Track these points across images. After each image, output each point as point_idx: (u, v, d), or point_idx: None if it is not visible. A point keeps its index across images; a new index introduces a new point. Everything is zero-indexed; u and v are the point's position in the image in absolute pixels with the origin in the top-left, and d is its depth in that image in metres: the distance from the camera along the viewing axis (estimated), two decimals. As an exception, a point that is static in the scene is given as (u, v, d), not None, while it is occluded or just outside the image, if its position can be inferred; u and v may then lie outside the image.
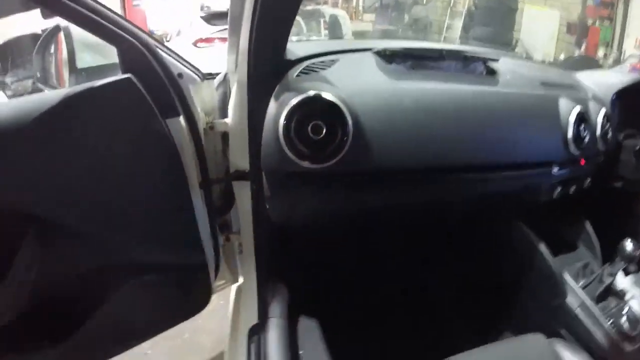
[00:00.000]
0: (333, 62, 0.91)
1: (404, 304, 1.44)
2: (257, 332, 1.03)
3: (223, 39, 6.14)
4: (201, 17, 7.22)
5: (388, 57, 0.98)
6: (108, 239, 0.76)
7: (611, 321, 1.05)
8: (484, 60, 1.11)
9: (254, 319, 1.06)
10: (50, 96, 0.70)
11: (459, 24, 9.26)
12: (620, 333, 1.02)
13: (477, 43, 8.05)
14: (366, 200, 0.86)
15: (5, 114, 0.66)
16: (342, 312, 1.33)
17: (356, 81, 0.89)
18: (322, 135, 0.69)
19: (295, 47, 0.85)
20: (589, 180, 1.23)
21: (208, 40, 5.41)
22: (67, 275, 0.77)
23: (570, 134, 1.08)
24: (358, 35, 7.61)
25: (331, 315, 1.21)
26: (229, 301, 1.30)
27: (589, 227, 1.36)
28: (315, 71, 0.86)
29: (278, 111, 0.77)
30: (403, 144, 0.83)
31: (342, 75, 0.89)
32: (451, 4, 9.58)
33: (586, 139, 1.11)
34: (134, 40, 0.77)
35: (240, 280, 1.26)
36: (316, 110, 0.71)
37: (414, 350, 1.25)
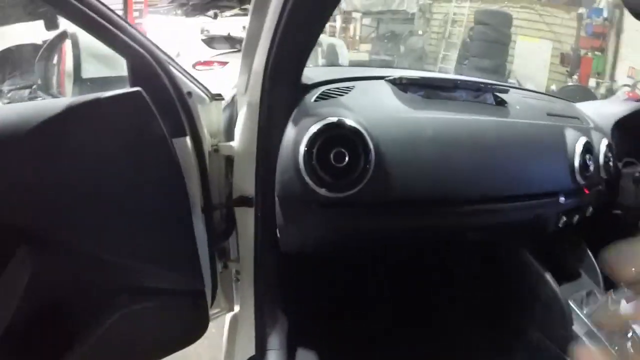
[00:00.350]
0: (349, 89, 0.89)
1: (408, 334, 1.41)
2: None
3: (222, 63, 6.23)
4: (202, 40, 7.32)
5: (403, 85, 0.97)
6: (105, 259, 0.72)
7: (616, 348, 1.05)
8: (494, 91, 1.11)
9: (251, 351, 1.02)
10: (53, 103, 0.66)
11: (454, 55, 9.46)
12: (626, 358, 1.03)
13: (471, 74, 8.26)
14: (383, 228, 0.84)
15: (4, 119, 0.63)
16: (343, 343, 1.29)
17: (376, 109, 0.88)
18: (344, 163, 0.66)
19: (310, 71, 0.83)
20: (591, 209, 1.23)
21: (207, 63, 5.47)
22: (60, 296, 0.74)
23: (577, 163, 1.08)
24: (355, 65, 7.72)
25: (331, 347, 1.17)
26: (222, 330, 1.26)
27: (590, 255, 1.37)
28: (333, 97, 0.84)
29: (298, 137, 0.74)
30: (423, 175, 0.82)
31: (360, 102, 0.87)
32: (446, 36, 9.79)
33: (591, 168, 1.12)
34: (145, 53, 0.73)
35: (236, 308, 1.22)
36: (339, 137, 0.68)
37: None
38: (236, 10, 9.67)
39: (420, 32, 10.39)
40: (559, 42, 8.70)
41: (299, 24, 0.71)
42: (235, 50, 7.04)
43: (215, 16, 9.35)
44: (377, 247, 1.04)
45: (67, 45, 1.15)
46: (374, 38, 11.10)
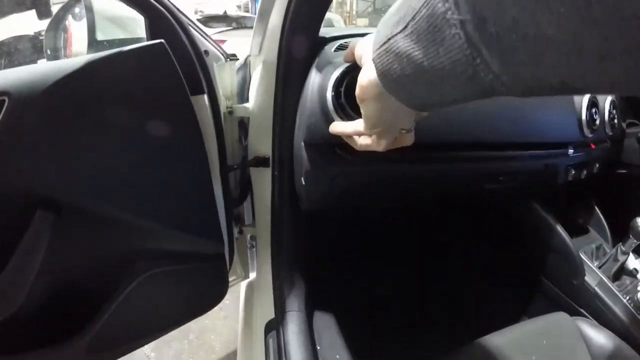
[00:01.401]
0: None
1: (425, 291, 1.43)
2: (274, 327, 1.00)
3: (219, 42, 6.15)
4: (198, 19, 7.23)
5: None
6: (125, 222, 0.71)
7: (628, 297, 1.11)
8: None
9: (269, 314, 1.03)
10: (71, 61, 0.63)
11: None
12: (638, 308, 1.08)
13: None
14: (408, 172, 0.84)
15: (24, 77, 0.60)
16: (362, 302, 1.30)
17: None
18: None
19: (322, 30, 0.84)
20: (597, 165, 1.26)
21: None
22: (80, 263, 0.73)
23: (584, 117, 1.11)
24: (352, 39, 7.64)
25: (350, 307, 1.18)
26: (237, 301, 1.27)
27: (598, 210, 1.42)
28: None
29: (323, 81, 0.73)
30: (447, 117, 0.82)
31: None
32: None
33: (597, 122, 1.16)
34: (164, 10, 0.72)
35: (252, 276, 1.23)
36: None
37: (437, 336, 1.24)
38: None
39: (417, 5, 10.24)
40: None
41: None
42: (232, 27, 6.99)
43: (210, -5, 9.22)
44: (396, 199, 1.04)
45: (74, 26, 1.12)
46: (370, 12, 10.97)
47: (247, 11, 10.87)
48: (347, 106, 0.67)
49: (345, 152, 0.75)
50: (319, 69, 0.75)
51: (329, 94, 0.68)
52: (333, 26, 7.65)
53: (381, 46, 0.40)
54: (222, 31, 6.44)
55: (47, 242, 0.65)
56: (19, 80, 0.59)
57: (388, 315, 1.32)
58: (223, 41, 6.02)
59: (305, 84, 0.76)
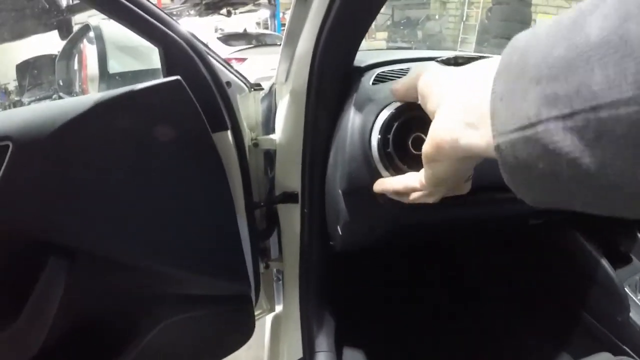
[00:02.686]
0: (404, 70, 0.82)
1: (458, 324, 1.35)
2: None
3: (240, 60, 6.22)
4: (217, 38, 7.31)
5: (458, 65, 0.90)
6: (145, 267, 0.67)
7: None
8: None
9: (298, 353, 0.98)
10: (80, 100, 0.59)
11: (472, 37, 9.30)
12: None
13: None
14: (454, 216, 0.78)
15: (29, 119, 0.56)
16: (392, 341, 1.24)
17: None
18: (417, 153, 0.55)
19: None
20: None
21: (225, 61, 5.43)
22: (98, 309, 0.69)
23: None
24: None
25: (380, 347, 1.12)
26: (261, 327, 1.22)
27: None
28: (391, 79, 0.77)
29: (366, 122, 0.65)
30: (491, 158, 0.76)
31: None
32: (464, 19, 9.60)
33: None
34: (180, 40, 0.66)
35: (278, 309, 1.18)
36: (415, 121, 0.59)
37: None
38: (250, 7, 9.68)
39: (436, 17, 10.23)
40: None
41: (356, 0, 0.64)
42: (252, 46, 7.05)
43: (229, 14, 9.36)
44: (437, 238, 0.98)
45: (89, 49, 1.10)
46: (389, 25, 10.96)
47: (267, 28, 10.98)
48: (396, 157, 0.57)
49: (389, 201, 0.68)
50: (359, 108, 0.67)
51: (375, 141, 0.59)
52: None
53: (518, 130, 0.28)
54: (242, 49, 6.50)
55: (62, 289, 0.61)
56: (23, 123, 0.56)
57: (423, 354, 1.24)
58: (244, 59, 6.09)
59: (342, 121, 0.69)
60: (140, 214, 0.65)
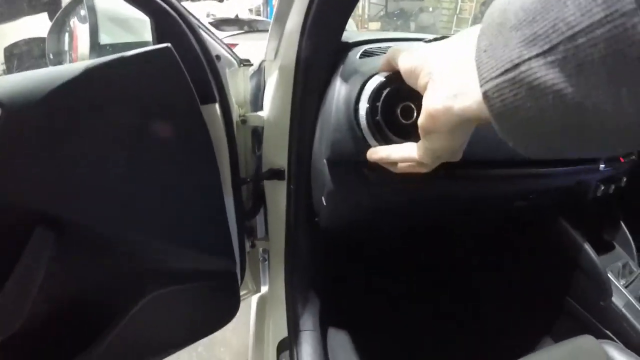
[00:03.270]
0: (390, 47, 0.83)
1: (445, 309, 1.37)
2: (287, 346, 0.95)
3: (232, 45, 6.16)
4: (209, 23, 7.24)
5: None
6: (131, 240, 0.67)
7: None
8: None
9: (283, 332, 0.98)
10: (70, 67, 0.58)
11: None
12: None
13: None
14: (441, 191, 0.78)
15: (19, 85, 0.55)
16: (377, 321, 1.25)
17: None
18: (412, 120, 0.54)
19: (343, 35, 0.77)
20: (625, 179, 1.21)
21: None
22: (83, 283, 0.69)
23: None
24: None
25: (365, 326, 1.13)
26: (247, 312, 1.22)
27: (624, 226, 1.36)
28: (378, 54, 0.77)
29: (352, 92, 0.65)
30: (481, 134, 0.76)
31: None
32: (458, 12, 9.61)
33: None
34: (171, 11, 0.66)
35: (263, 289, 1.18)
36: (404, 91, 0.58)
37: (458, 355, 1.19)
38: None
39: (430, 9, 10.23)
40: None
41: None
42: (244, 31, 6.99)
43: (221, -1, 9.28)
44: (424, 219, 0.98)
45: (80, 29, 1.08)
46: (382, 16, 10.93)
47: (259, 14, 10.89)
48: (385, 126, 0.55)
49: (373, 173, 0.68)
50: (345, 79, 0.68)
51: (363, 110, 0.57)
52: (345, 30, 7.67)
53: (502, 74, 0.29)
54: (234, 35, 6.44)
55: (46, 260, 0.60)
56: (14, 89, 0.55)
57: (406, 334, 1.26)
58: (235, 45, 6.03)
59: (328, 94, 0.70)
60: (128, 184, 0.65)
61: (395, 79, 0.51)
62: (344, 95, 0.65)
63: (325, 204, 0.73)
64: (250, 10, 12.32)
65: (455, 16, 9.66)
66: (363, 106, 0.56)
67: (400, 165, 0.51)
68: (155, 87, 0.62)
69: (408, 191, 0.73)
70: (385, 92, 0.53)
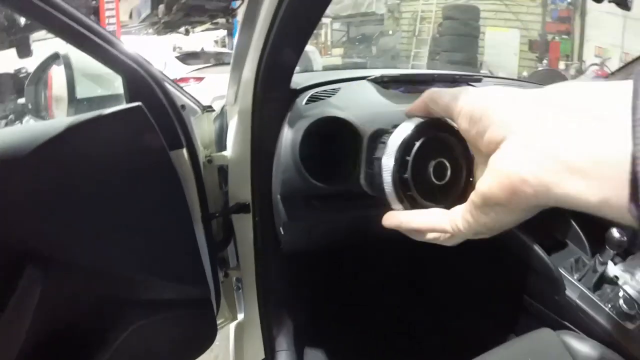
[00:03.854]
0: (335, 90, 0.93)
1: (412, 315, 1.43)
2: None
3: (197, 79, 6.25)
4: (176, 57, 7.31)
5: (384, 83, 1.02)
6: (112, 274, 0.73)
7: (610, 305, 1.11)
8: (468, 81, 1.17)
9: (260, 354, 1.04)
10: (54, 123, 0.66)
11: (425, 51, 9.63)
12: (621, 314, 1.08)
13: (444, 68, 8.45)
14: (378, 215, 0.87)
15: (8, 140, 0.63)
16: (351, 340, 1.31)
17: (362, 106, 0.92)
18: (445, 180, 0.46)
19: (295, 77, 0.86)
20: None
21: (183, 80, 5.47)
22: (70, 316, 0.75)
23: None
24: (329, 69, 7.83)
25: (340, 344, 1.19)
26: (227, 341, 1.27)
27: (574, 223, 1.41)
28: (322, 99, 0.88)
29: (295, 136, 0.75)
30: None
31: (347, 101, 0.91)
32: (416, 33, 9.94)
33: None
34: (139, 69, 0.76)
35: (240, 317, 1.24)
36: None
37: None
38: (207, 25, 9.71)
39: (390, 32, 10.55)
40: (526, 29, 8.93)
41: (288, 34, 0.74)
42: (210, 64, 7.09)
43: (187, 32, 9.37)
44: (373, 239, 1.06)
45: (54, 70, 1.16)
46: (345, 42, 11.23)
47: (224, 46, 11.02)
48: (414, 186, 0.44)
49: (321, 204, 0.77)
50: (291, 124, 0.79)
51: (389, 164, 0.44)
52: (309, 58, 7.82)
53: None
54: (200, 68, 6.53)
55: (37, 296, 0.67)
56: (3, 144, 0.62)
57: (377, 344, 1.33)
58: (202, 78, 6.13)
59: (279, 138, 0.80)
60: (108, 225, 0.72)
61: (429, 127, 0.44)
62: (290, 140, 0.76)
63: (282, 233, 0.82)
64: (216, 42, 12.44)
65: (415, 38, 9.98)
66: (388, 160, 0.44)
67: (429, 236, 0.41)
68: (129, 139, 0.71)
69: (356, 217, 0.82)
70: (417, 145, 0.43)
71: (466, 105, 0.35)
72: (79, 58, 0.95)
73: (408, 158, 0.43)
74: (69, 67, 0.97)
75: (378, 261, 1.53)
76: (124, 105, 0.71)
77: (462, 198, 0.41)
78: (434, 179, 0.44)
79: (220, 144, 1.02)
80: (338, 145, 0.76)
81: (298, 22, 0.73)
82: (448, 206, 0.41)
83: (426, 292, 1.52)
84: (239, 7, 9.47)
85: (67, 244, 0.68)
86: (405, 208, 0.46)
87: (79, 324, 0.76)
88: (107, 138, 0.70)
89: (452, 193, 0.44)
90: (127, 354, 0.80)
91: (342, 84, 0.98)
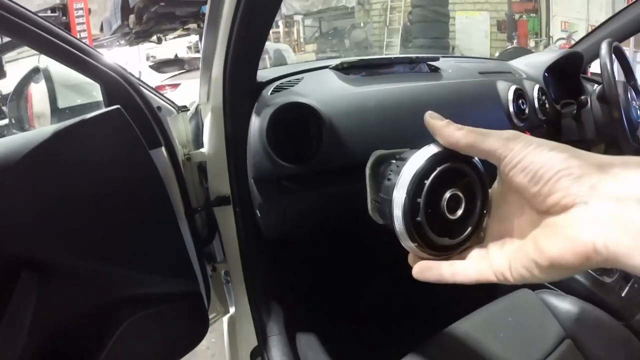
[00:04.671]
0: (298, 80, 0.99)
1: (398, 297, 1.47)
2: (259, 353, 1.04)
3: (173, 86, 6.24)
4: (150, 66, 7.29)
5: (345, 69, 1.08)
6: (104, 273, 0.77)
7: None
8: (427, 61, 1.23)
9: (253, 342, 1.07)
10: (40, 132, 0.71)
11: (397, 40, 9.73)
12: (598, 269, 1.07)
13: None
14: (343, 192, 0.92)
15: None
16: (341, 320, 1.35)
17: (324, 92, 0.97)
18: (460, 214, 0.43)
19: (263, 72, 0.92)
20: None
21: (159, 88, 5.45)
22: (67, 317, 0.78)
23: (511, 109, 1.21)
24: (303, 64, 7.86)
25: (330, 325, 1.23)
26: (220, 336, 1.30)
27: None
28: (286, 88, 0.94)
29: (262, 123, 0.82)
30: (372, 139, 0.90)
31: (309, 89, 0.97)
32: (387, 23, 10.03)
33: (526, 112, 1.25)
34: (116, 76, 0.80)
35: (232, 310, 1.27)
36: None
37: (417, 336, 1.29)
38: (179, 32, 9.68)
39: (361, 24, 10.62)
40: (495, 11, 9.06)
41: (247, 33, 0.79)
42: (184, 71, 7.08)
43: (159, 41, 9.32)
44: (348, 220, 1.11)
45: (33, 88, 1.19)
46: (318, 37, 11.27)
47: (198, 51, 10.99)
48: (428, 227, 0.40)
49: (292, 183, 0.82)
50: (258, 113, 0.84)
51: (399, 202, 0.40)
52: (283, 56, 7.84)
53: None
54: (175, 75, 6.53)
55: (34, 301, 0.70)
56: None
57: (366, 325, 1.37)
58: (177, 85, 6.12)
59: (250, 128, 0.85)
60: (98, 225, 0.76)
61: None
62: (258, 127, 0.82)
63: (259, 215, 0.87)
64: (189, 48, 12.39)
65: (386, 28, 10.07)
66: (398, 200, 0.40)
67: (458, 279, 0.39)
68: (111, 141, 0.76)
69: (326, 194, 0.87)
70: (428, 183, 0.40)
71: (526, 160, 0.34)
72: (58, 70, 1.00)
73: (419, 200, 0.39)
74: (49, 79, 1.01)
75: (361, 243, 1.57)
76: (103, 109, 0.76)
77: (475, 232, 0.41)
78: (447, 214, 0.40)
79: (197, 141, 1.05)
80: (303, 129, 0.83)
81: (256, 19, 0.78)
82: (462, 242, 0.40)
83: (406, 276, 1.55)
84: (208, 11, 9.46)
85: (59, 247, 0.72)
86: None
87: (74, 325, 0.80)
88: (90, 141, 0.74)
89: (465, 226, 0.41)
90: (121, 351, 0.83)
91: (306, 74, 1.03)
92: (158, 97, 0.93)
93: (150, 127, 0.84)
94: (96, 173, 0.75)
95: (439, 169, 0.39)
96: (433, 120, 0.40)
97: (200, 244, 1.01)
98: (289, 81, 0.95)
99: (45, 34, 0.72)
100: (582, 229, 0.29)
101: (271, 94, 0.90)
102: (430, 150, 0.40)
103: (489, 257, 0.37)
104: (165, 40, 9.81)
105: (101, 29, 9.36)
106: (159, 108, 0.89)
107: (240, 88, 0.85)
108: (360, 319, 1.38)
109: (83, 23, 7.48)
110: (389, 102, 0.99)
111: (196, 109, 1.11)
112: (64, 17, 7.40)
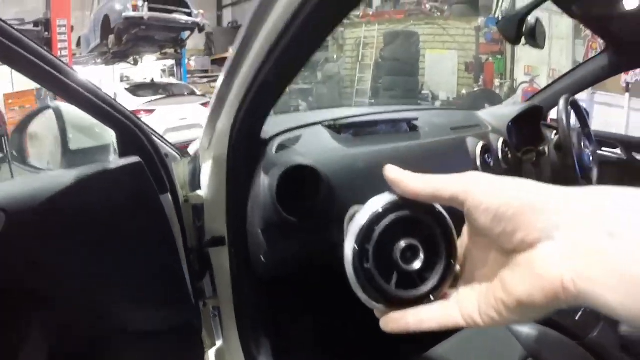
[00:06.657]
0: (298, 138, 1.11)
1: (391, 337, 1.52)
2: None
3: (148, 111, 6.24)
4: (126, 89, 7.24)
5: (337, 128, 1.22)
6: (115, 309, 0.84)
7: None
8: (407, 120, 1.40)
9: (242, 376, 1.12)
10: (63, 175, 0.78)
11: (368, 75, 10.01)
12: None
13: (386, 92, 8.82)
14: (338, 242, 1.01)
15: (18, 192, 0.73)
16: (331, 352, 1.40)
17: (320, 151, 1.11)
18: (419, 267, 0.40)
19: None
20: None
21: (135, 112, 5.41)
22: (72, 351, 0.83)
23: (478, 163, 1.38)
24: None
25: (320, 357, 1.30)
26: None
27: None
28: (288, 147, 1.05)
29: (271, 182, 0.92)
30: (360, 196, 1.00)
31: (308, 148, 1.10)
32: (360, 59, 10.33)
33: (491, 164, 1.42)
34: (132, 126, 0.88)
35: (219, 343, 1.31)
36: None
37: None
38: (157, 55, 9.67)
39: (335, 58, 10.88)
40: (463, 50, 9.48)
41: (268, 91, 0.84)
42: (160, 97, 7.06)
43: (136, 62, 9.31)
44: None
45: (36, 120, 1.22)
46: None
47: (173, 75, 10.99)
48: (379, 276, 0.38)
49: (294, 232, 0.94)
50: (266, 172, 0.95)
51: (349, 250, 0.39)
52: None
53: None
54: (151, 101, 6.54)
55: (40, 337, 0.76)
56: (14, 196, 0.73)
57: (356, 354, 1.43)
58: (152, 110, 6.13)
59: (255, 182, 0.96)
60: (111, 262, 0.84)
61: (400, 206, 0.39)
62: (267, 184, 0.93)
63: (264, 260, 0.95)
64: (164, 71, 12.37)
65: (358, 63, 10.36)
66: (349, 245, 0.40)
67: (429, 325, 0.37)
68: (130, 189, 0.84)
69: (326, 237, 0.96)
70: (378, 230, 0.38)
71: (487, 201, 0.33)
72: (69, 111, 1.05)
73: (368, 246, 0.38)
74: (60, 119, 1.05)
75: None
76: (126, 160, 0.84)
77: (442, 284, 0.38)
78: (402, 264, 0.38)
79: (194, 184, 1.12)
80: (301, 184, 0.96)
81: (279, 80, 0.83)
82: (425, 295, 0.38)
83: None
84: (187, 38, 9.58)
85: (74, 285, 0.78)
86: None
87: (77, 353, 0.85)
88: (112, 189, 0.83)
89: (428, 279, 0.38)
90: None
91: (303, 131, 1.15)
92: (165, 144, 1.00)
93: (159, 174, 0.92)
94: (114, 214, 0.83)
95: (392, 215, 0.38)
96: (390, 174, 0.39)
97: (195, 279, 1.07)
98: (290, 139, 1.07)
99: (72, 83, 0.77)
100: (549, 264, 0.29)
101: (276, 152, 1.01)
102: (387, 197, 0.40)
103: (459, 301, 0.36)
104: (142, 62, 9.81)
105: (78, 44, 9.30)
106: (166, 155, 0.97)
107: (246, 142, 0.93)
108: (353, 350, 1.44)
109: (65, 41, 7.39)
110: (375, 163, 1.12)
111: (195, 153, 1.18)
112: (47, 33, 7.28)
